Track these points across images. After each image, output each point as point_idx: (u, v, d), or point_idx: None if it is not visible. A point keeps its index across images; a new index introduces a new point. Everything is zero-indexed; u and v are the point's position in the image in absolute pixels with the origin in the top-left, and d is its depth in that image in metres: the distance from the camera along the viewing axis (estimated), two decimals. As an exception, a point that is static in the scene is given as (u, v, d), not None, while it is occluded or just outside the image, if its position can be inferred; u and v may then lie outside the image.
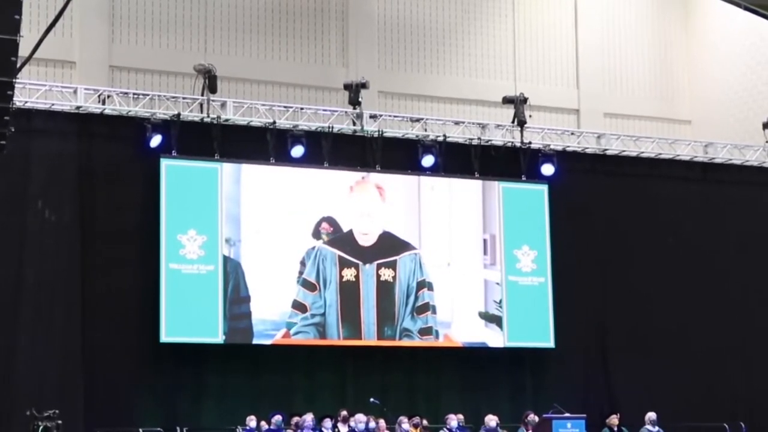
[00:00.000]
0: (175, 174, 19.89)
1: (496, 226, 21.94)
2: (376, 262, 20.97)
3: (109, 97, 20.14)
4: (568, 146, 23.24)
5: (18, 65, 10.98)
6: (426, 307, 21.22)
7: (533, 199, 22.32)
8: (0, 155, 13.05)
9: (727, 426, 21.73)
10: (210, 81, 20.57)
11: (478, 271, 21.81)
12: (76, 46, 21.67)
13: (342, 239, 20.82)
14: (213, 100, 20.66)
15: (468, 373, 21.60)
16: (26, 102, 19.09)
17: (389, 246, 21.19)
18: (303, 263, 20.44)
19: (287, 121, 21.05)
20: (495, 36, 25.38)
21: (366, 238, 21.03)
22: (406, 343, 21.12)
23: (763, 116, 24.45)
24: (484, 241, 21.92)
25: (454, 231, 21.69)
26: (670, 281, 23.26)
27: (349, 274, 20.73)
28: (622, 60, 26.81)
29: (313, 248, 20.55)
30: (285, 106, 21.41)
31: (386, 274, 21.03)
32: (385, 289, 20.98)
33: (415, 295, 21.20)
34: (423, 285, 21.29)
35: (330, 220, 20.75)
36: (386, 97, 24.06)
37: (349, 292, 20.71)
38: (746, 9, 21.91)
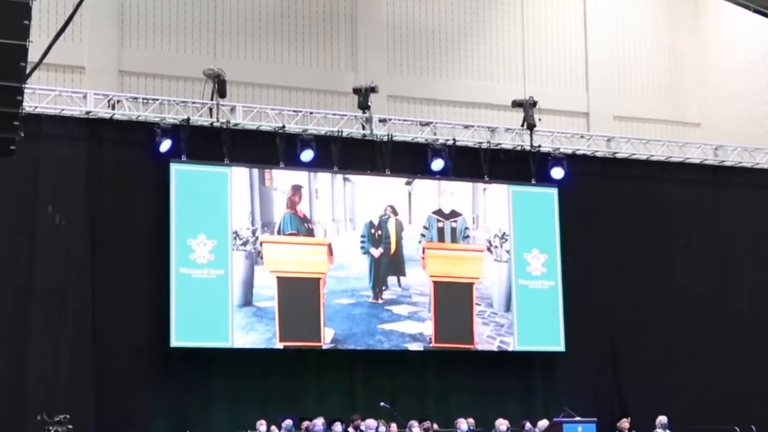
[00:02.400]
0: (185, 178, 19.92)
1: (506, 229, 21.98)
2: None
3: (118, 101, 20.17)
4: (578, 149, 23.24)
5: (28, 70, 10.99)
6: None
7: (543, 202, 22.30)
8: (10, 160, 13.06)
9: (738, 429, 21.64)
10: (219, 85, 20.60)
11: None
12: (85, 52, 21.69)
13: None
14: (222, 105, 20.69)
15: (478, 377, 21.59)
16: (36, 107, 19.12)
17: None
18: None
19: (296, 125, 21.07)
20: (504, 39, 25.36)
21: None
22: (417, 346, 21.12)
23: (773, 118, 24.47)
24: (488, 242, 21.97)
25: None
26: (681, 284, 23.23)
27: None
28: (632, 63, 26.76)
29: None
30: (294, 111, 21.43)
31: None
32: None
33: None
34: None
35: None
36: (395, 101, 24.04)
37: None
38: (755, 11, 21.88)
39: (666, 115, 26.76)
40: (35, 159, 18.92)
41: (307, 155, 20.67)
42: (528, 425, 19.95)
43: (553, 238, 22.22)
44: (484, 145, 22.25)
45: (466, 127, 22.57)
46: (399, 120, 22.25)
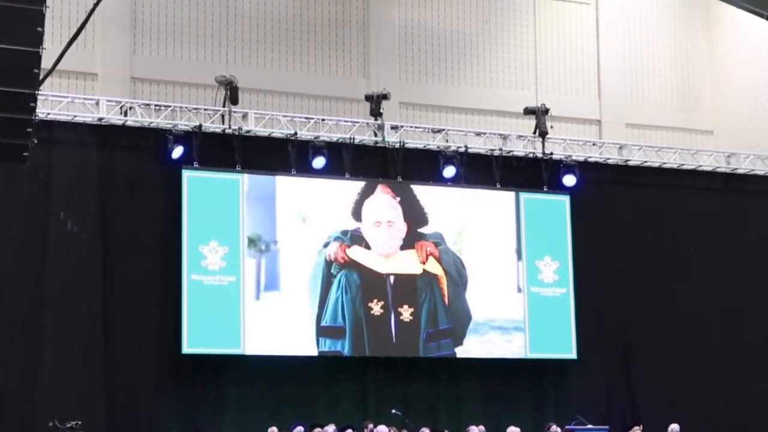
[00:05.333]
0: (197, 185, 19.93)
1: (518, 237, 21.96)
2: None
3: (131, 108, 20.21)
4: (590, 157, 23.21)
5: (41, 77, 11.02)
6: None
7: (555, 209, 22.28)
8: (23, 167, 13.12)
9: (751, 438, 21.66)
10: (231, 92, 20.62)
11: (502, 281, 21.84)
12: (98, 58, 21.71)
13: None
14: (234, 112, 20.72)
15: (490, 384, 21.56)
16: (48, 113, 19.17)
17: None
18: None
19: (308, 132, 21.08)
20: (516, 47, 25.31)
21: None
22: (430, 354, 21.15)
23: (786, 126, 24.39)
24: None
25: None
26: (693, 292, 23.19)
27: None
28: (644, 70, 26.69)
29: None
30: (306, 117, 21.45)
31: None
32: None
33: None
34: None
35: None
36: (407, 108, 24.01)
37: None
38: (768, 19, 21.87)
39: (678, 123, 26.68)
40: (48, 165, 18.96)
41: (318, 162, 20.70)
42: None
43: (564, 245, 22.20)
44: (496, 153, 22.25)
45: (478, 134, 22.56)
46: (411, 127, 22.26)
